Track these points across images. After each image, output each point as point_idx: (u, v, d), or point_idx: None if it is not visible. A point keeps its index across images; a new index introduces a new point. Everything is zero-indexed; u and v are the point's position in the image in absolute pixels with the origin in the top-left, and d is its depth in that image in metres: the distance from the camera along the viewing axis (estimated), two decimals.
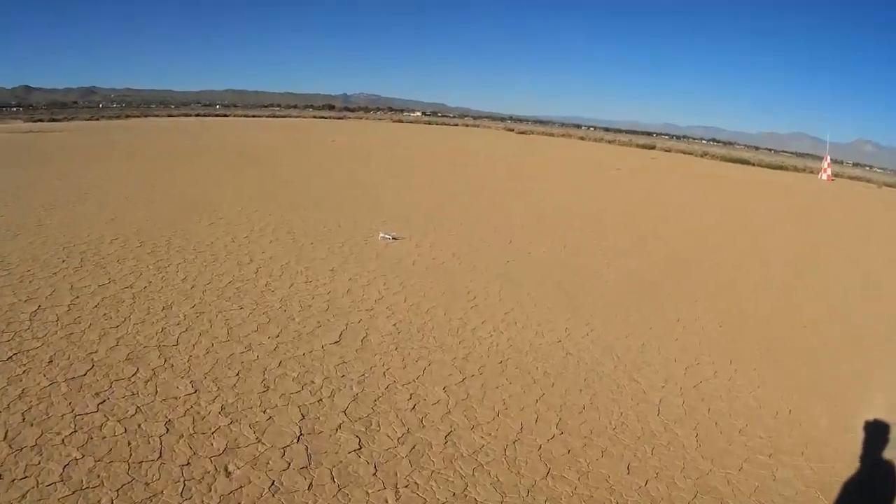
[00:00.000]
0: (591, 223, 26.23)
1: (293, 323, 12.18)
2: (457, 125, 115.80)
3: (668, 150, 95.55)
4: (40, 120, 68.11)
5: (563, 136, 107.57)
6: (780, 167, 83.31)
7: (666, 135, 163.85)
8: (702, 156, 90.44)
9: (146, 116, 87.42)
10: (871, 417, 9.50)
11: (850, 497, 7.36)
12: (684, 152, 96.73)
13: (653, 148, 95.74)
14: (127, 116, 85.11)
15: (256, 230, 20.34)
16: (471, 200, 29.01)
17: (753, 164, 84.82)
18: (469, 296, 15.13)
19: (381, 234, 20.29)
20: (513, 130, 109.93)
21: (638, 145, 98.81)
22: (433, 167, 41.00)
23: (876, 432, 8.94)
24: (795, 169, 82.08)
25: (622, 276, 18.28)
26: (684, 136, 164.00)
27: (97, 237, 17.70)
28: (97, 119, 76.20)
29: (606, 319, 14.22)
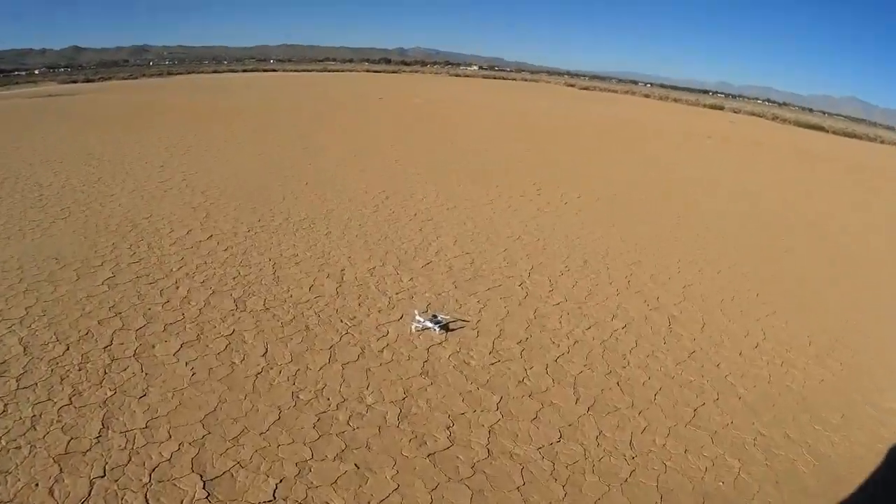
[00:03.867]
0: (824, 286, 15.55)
1: None
2: (514, 80, 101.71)
3: (737, 111, 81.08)
4: (74, 81, 57.66)
5: (626, 92, 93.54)
6: (853, 135, 69.07)
7: (722, 93, 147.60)
8: (772, 119, 76.03)
9: (190, 73, 77.31)
10: None
11: None
12: (754, 114, 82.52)
13: (721, 108, 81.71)
14: (170, 73, 76.23)
15: (165, 327, 10.01)
16: (583, 220, 18.29)
17: (827, 131, 71.14)
18: None
19: (417, 318, 9.81)
20: (573, 86, 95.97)
21: (705, 105, 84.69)
22: (506, 148, 28.08)
23: None
24: (868, 138, 67.66)
25: None
26: (739, 95, 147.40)
27: None
28: (136, 77, 66.58)
29: None
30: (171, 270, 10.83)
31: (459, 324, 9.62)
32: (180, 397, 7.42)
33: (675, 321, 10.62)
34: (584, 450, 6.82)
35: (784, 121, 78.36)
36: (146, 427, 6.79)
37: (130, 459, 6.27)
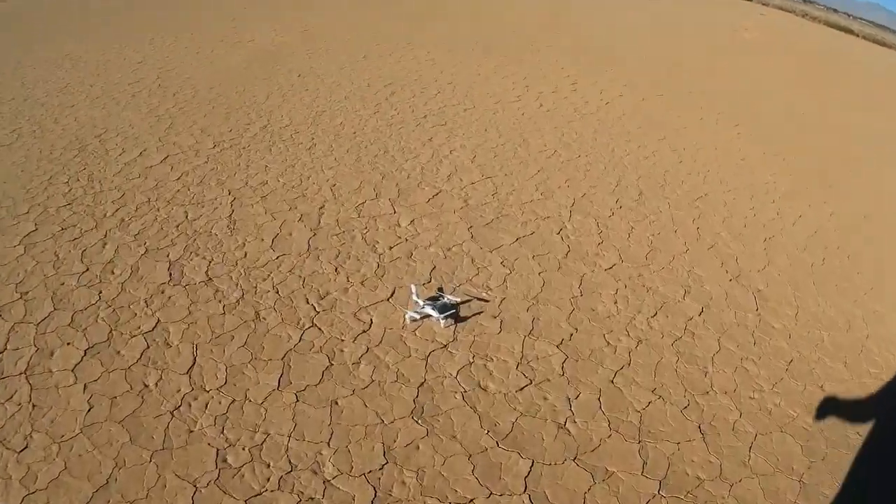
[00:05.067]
0: None
1: None
2: None
3: (766, 4, 74.02)
4: None
5: None
6: (883, 44, 62.40)
7: None
8: (802, 16, 69.28)
9: None
10: None
11: None
12: (782, 9, 75.01)
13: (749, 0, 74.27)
14: None
15: (73, 318, 6.74)
16: (629, 127, 14.74)
17: (857, 35, 64.80)
18: None
19: (415, 298, 6.57)
20: None
21: None
22: (534, 29, 23.35)
23: None
24: None
25: None
26: None
27: None
28: None
29: None
30: (105, 216, 7.75)
31: (475, 305, 6.25)
32: (66, 456, 4.62)
33: (763, 302, 7.30)
34: None
35: (814, 19, 71.28)
36: None
37: None
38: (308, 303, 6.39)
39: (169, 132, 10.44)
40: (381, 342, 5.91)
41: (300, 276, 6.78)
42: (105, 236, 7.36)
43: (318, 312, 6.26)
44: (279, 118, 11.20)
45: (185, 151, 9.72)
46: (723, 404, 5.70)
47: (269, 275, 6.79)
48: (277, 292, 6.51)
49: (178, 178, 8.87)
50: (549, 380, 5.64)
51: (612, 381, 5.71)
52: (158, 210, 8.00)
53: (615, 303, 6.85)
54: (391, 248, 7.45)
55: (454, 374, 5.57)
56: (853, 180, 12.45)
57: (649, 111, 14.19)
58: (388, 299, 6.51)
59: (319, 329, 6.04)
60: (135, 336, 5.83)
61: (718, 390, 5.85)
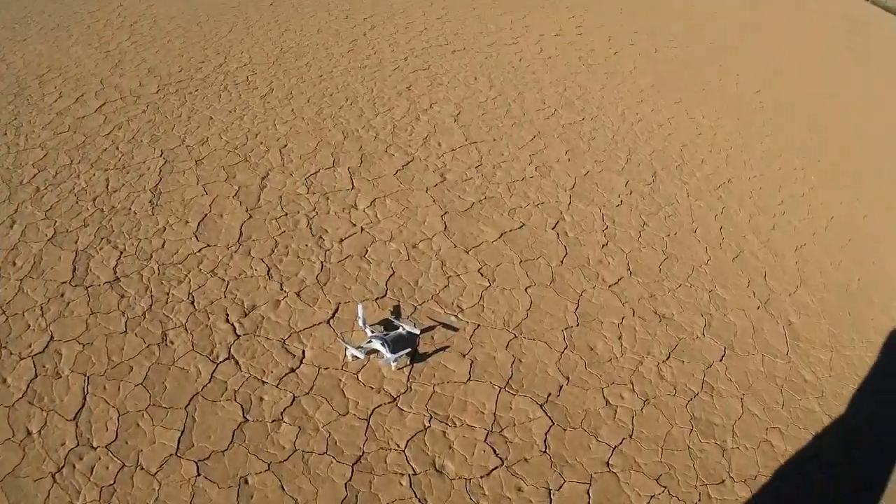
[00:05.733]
0: None
1: None
2: None
3: None
4: None
5: None
6: None
7: None
8: None
9: None
10: None
11: None
12: None
13: None
14: None
15: None
16: (640, 84, 12.71)
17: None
18: None
19: (361, 324, 4.98)
20: None
21: None
22: None
23: None
24: None
25: None
26: None
27: None
28: None
29: None
30: (21, 183, 6.34)
31: (440, 335, 4.72)
32: None
33: (795, 341, 5.94)
34: None
35: None
36: None
37: None
38: (228, 321, 4.86)
39: (114, 72, 8.71)
40: (312, 388, 4.43)
41: (224, 280, 5.22)
42: (16, 211, 5.87)
43: (238, 337, 4.74)
44: (238, 55, 9.41)
45: (125, 97, 8.05)
46: (740, 499, 4.25)
47: (186, 275, 5.23)
48: (193, 303, 4.97)
49: (109, 133, 7.23)
50: (526, 459, 4.18)
51: (608, 464, 4.28)
52: (79, 176, 6.41)
53: (619, 338, 5.33)
54: (342, 241, 5.86)
55: (402, 446, 4.11)
56: (882, 171, 10.76)
57: (663, 66, 12.33)
58: (328, 321, 4.99)
59: (237, 363, 4.53)
60: (24, 359, 4.47)
61: (736, 476, 4.46)
